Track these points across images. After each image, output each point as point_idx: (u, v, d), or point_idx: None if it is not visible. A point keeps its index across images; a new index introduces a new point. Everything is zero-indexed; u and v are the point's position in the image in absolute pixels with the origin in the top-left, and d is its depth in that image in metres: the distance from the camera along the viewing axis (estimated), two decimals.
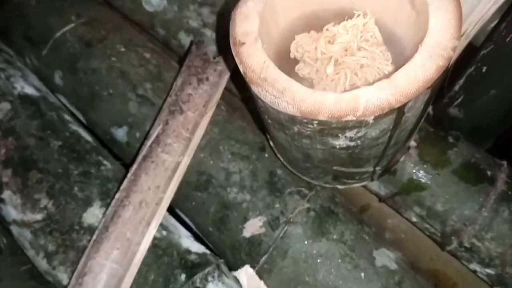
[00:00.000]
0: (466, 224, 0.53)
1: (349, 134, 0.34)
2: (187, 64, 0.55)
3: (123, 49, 0.62)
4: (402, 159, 0.53)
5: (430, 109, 0.64)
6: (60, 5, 0.66)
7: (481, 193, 0.53)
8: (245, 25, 0.36)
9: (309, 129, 0.35)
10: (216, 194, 0.53)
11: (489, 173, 0.54)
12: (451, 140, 0.56)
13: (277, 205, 0.52)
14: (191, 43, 0.59)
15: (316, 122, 0.33)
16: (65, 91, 0.63)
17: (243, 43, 0.35)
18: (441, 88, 0.60)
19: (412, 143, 0.55)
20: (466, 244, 0.54)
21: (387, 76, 0.32)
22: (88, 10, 0.66)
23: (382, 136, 0.36)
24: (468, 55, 0.54)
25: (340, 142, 0.36)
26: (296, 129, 0.36)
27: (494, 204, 0.52)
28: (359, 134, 0.35)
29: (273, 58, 0.39)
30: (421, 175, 0.55)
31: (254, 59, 0.34)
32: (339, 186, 0.52)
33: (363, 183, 0.53)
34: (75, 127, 0.61)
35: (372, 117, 0.32)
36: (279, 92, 0.33)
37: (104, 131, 0.61)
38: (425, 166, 0.55)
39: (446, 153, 0.55)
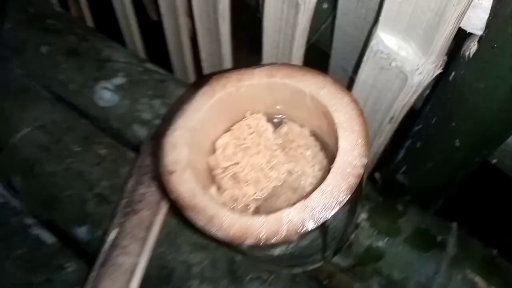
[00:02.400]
0: None
1: (280, 249, 0.36)
2: (138, 164, 0.57)
3: (78, 149, 0.64)
4: (353, 236, 0.55)
5: (378, 177, 0.66)
6: (13, 111, 0.68)
7: (433, 259, 0.55)
8: (174, 154, 0.38)
9: (243, 247, 0.36)
10: None
11: (439, 238, 0.56)
12: (400, 208, 0.59)
13: None
14: (140, 143, 0.61)
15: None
16: (25, 195, 0.64)
17: (173, 172, 0.37)
18: (385, 157, 0.63)
19: (362, 216, 0.57)
20: None
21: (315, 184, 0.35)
22: (42, 112, 0.68)
23: (315, 242, 0.38)
24: (411, 120, 0.57)
25: (275, 252, 0.38)
26: (234, 245, 0.38)
27: (448, 268, 0.54)
28: (291, 246, 0.37)
29: (209, 175, 0.42)
30: (375, 246, 0.57)
31: (184, 187, 0.36)
32: (296, 271, 0.54)
33: (319, 264, 0.54)
34: (36, 231, 0.62)
35: (296, 237, 0.34)
36: (208, 219, 0.35)
37: (67, 231, 0.62)
38: (378, 236, 0.57)
39: (397, 222, 0.57)
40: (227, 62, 0.66)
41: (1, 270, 0.56)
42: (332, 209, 0.34)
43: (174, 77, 0.72)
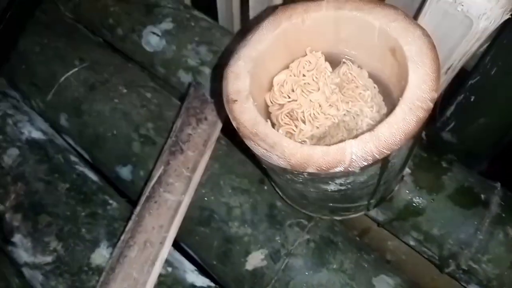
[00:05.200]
0: (463, 248, 0.55)
1: (338, 181, 0.36)
2: (186, 106, 0.57)
3: (125, 91, 0.64)
4: (397, 188, 0.55)
5: (423, 134, 0.66)
6: (63, 51, 0.69)
7: (476, 216, 0.55)
8: (237, 84, 0.38)
9: (301, 177, 0.37)
10: (218, 229, 0.55)
11: (483, 196, 0.56)
12: (444, 165, 0.58)
13: (277, 238, 0.54)
14: (189, 85, 0.61)
15: (306, 173, 0.35)
16: (71, 133, 0.66)
17: (235, 101, 0.37)
18: (433, 113, 0.62)
19: (407, 170, 0.57)
20: (464, 267, 0.55)
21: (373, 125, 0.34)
22: (90, 53, 0.69)
23: (370, 180, 0.38)
24: (461, 79, 0.56)
25: (331, 187, 0.38)
26: (288, 176, 0.38)
27: (489, 227, 0.54)
28: (348, 181, 0.37)
29: (265, 110, 0.42)
30: (417, 201, 0.56)
31: (246, 115, 0.37)
32: (337, 218, 0.54)
33: (360, 214, 0.55)
34: (81, 168, 0.63)
35: (358, 168, 0.34)
36: (270, 146, 0.35)
37: (110, 170, 0.64)
38: (420, 192, 0.56)
39: (440, 178, 0.57)
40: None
41: (50, 202, 0.58)
42: (398, 140, 0.33)
43: (220, 25, 0.72)
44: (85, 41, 0.72)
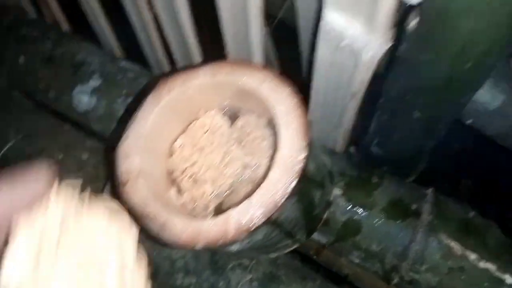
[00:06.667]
0: (401, 260, 0.56)
1: (235, 246, 0.38)
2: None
3: (61, 156, 0.66)
4: (326, 213, 0.57)
5: (353, 151, 0.67)
6: (2, 122, 0.70)
7: (409, 227, 0.56)
8: (127, 164, 0.39)
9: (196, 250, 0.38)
10: (164, 283, 0.57)
11: (414, 206, 0.57)
12: (375, 180, 0.59)
13: (221, 283, 0.55)
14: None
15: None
16: None
17: (126, 182, 0.39)
18: (356, 130, 0.63)
19: (337, 191, 0.58)
20: (407, 278, 0.57)
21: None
22: (25, 122, 0.70)
23: (271, 233, 0.40)
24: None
25: (233, 249, 0.40)
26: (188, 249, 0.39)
27: (423, 236, 0.55)
28: (245, 242, 0.38)
29: (169, 177, 0.43)
30: (352, 221, 0.58)
31: (136, 197, 0.38)
32: (272, 256, 0.55)
33: (295, 246, 0.56)
34: None
35: (244, 236, 0.35)
36: (160, 227, 0.36)
37: None
38: (354, 211, 0.58)
39: (372, 194, 0.58)
40: (195, 53, 0.67)
41: None
42: (277, 204, 0.35)
43: (148, 72, 0.73)
44: (20, 109, 0.74)
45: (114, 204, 0.26)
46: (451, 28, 0.34)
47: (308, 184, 0.40)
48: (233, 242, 0.36)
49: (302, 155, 0.35)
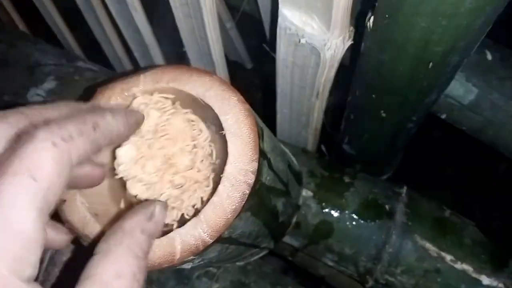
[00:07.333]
0: (375, 263, 0.54)
1: (187, 264, 0.35)
2: None
3: None
4: (295, 217, 0.54)
5: (324, 149, 0.64)
6: None
7: (382, 229, 0.54)
8: None
9: None
10: None
11: (387, 207, 0.55)
12: (347, 180, 0.57)
13: None
14: None
15: None
16: None
17: (65, 201, 0.35)
18: (325, 127, 0.60)
19: (308, 193, 0.56)
20: (382, 281, 0.54)
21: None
22: None
23: (227, 249, 0.37)
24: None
25: (186, 266, 0.36)
26: None
27: (397, 238, 0.53)
28: (197, 261, 0.35)
29: (111, 195, 0.40)
30: (324, 223, 0.55)
31: (75, 216, 0.35)
32: (239, 264, 0.53)
33: (263, 253, 0.53)
34: None
35: (192, 256, 0.32)
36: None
37: None
38: (325, 213, 0.55)
39: (343, 195, 0.55)
40: (156, 52, 0.63)
41: None
42: (227, 222, 0.32)
43: (107, 71, 0.69)
44: None
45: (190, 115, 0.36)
46: (407, 27, 0.31)
47: (266, 194, 0.37)
48: (181, 263, 0.33)
49: (254, 166, 0.32)
